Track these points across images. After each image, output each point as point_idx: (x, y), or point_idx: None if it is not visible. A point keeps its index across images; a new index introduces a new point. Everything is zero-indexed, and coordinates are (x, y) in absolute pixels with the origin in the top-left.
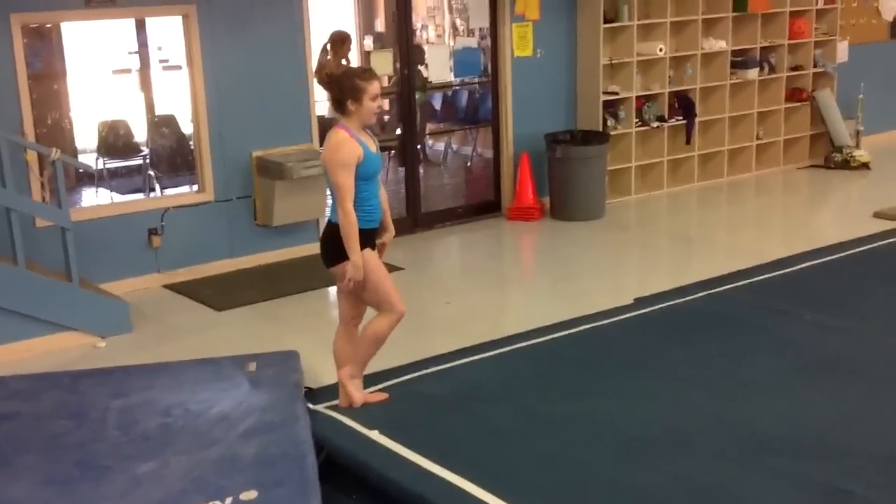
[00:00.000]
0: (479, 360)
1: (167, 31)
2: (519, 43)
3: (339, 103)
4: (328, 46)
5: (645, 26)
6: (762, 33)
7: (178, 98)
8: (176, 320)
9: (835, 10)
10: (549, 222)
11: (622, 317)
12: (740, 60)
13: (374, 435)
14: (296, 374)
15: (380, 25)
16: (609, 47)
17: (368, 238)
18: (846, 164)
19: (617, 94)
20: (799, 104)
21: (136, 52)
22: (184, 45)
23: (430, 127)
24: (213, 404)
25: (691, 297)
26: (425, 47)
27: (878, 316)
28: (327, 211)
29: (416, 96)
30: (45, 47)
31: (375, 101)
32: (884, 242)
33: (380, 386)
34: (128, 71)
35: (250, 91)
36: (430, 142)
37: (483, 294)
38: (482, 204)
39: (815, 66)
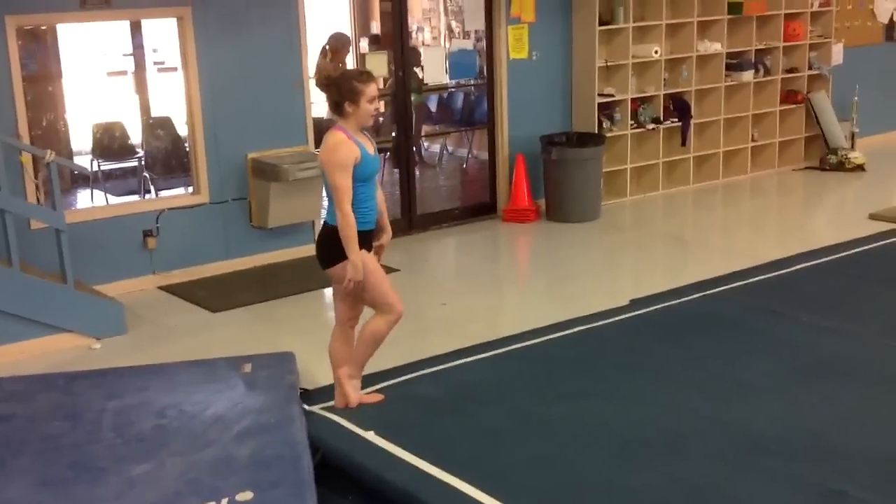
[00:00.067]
0: (474, 361)
1: (162, 33)
2: (514, 45)
3: (336, 105)
4: (327, 49)
5: (640, 28)
6: (757, 36)
7: (173, 100)
8: (171, 322)
9: (830, 13)
10: (545, 224)
11: (617, 318)
12: (735, 63)
13: (370, 436)
14: (291, 375)
15: (376, 28)
16: (604, 49)
17: (365, 240)
18: (841, 166)
19: (612, 96)
20: (794, 106)
21: (131, 54)
22: (179, 46)
23: (425, 129)
24: (208, 406)
25: (687, 299)
26: (421, 49)
27: (874, 317)
28: (323, 213)
29: (412, 98)
30: (40, 49)
31: (373, 104)
32: (879, 244)
33: (375, 387)
34: (123, 73)
35: (245, 93)
36: (425, 144)
37: (479, 295)
38: (478, 206)
39: (809, 68)
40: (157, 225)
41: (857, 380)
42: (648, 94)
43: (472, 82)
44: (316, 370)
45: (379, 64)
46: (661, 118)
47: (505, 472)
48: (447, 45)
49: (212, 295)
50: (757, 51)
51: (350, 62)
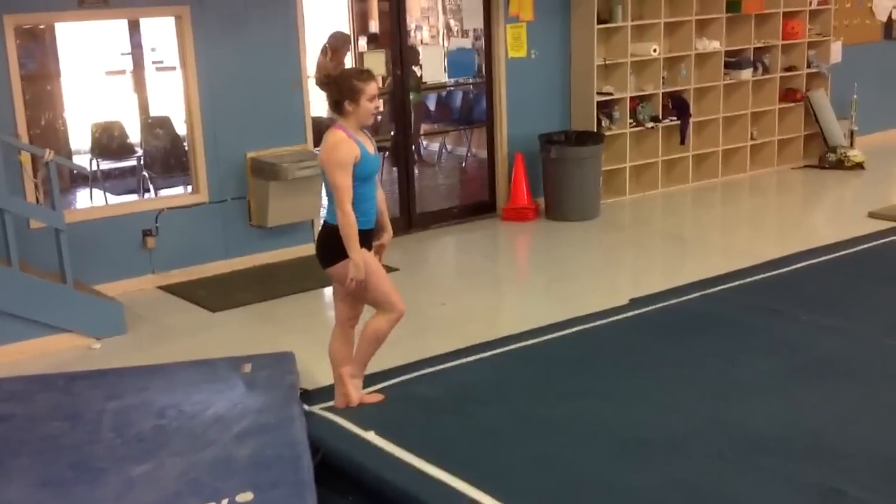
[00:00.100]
0: (474, 361)
1: (161, 32)
2: (513, 44)
3: (336, 104)
4: (328, 48)
5: (639, 27)
6: (756, 34)
7: (172, 99)
8: (170, 321)
9: (828, 11)
10: (544, 223)
11: (617, 317)
12: (734, 61)
13: (370, 436)
14: (291, 375)
15: (374, 26)
16: (603, 48)
17: (365, 239)
18: (840, 165)
19: (611, 94)
20: (793, 104)
21: (129, 54)
22: (177, 45)
23: (424, 127)
24: (207, 406)
25: (686, 298)
26: (419, 48)
27: (873, 316)
28: (322, 212)
29: (411, 97)
30: (39, 48)
31: (373, 102)
32: (878, 242)
33: (375, 387)
34: (121, 72)
35: (244, 92)
36: (424, 142)
37: (478, 295)
38: (477, 204)
39: (808, 66)
40: (157, 224)
41: (856, 379)
42: (647, 93)
43: (470, 81)
44: (316, 370)
45: (377, 63)
46: (660, 117)
47: (504, 472)
48: (446, 44)
49: (211, 294)
50: (756, 49)
51: (348, 61)
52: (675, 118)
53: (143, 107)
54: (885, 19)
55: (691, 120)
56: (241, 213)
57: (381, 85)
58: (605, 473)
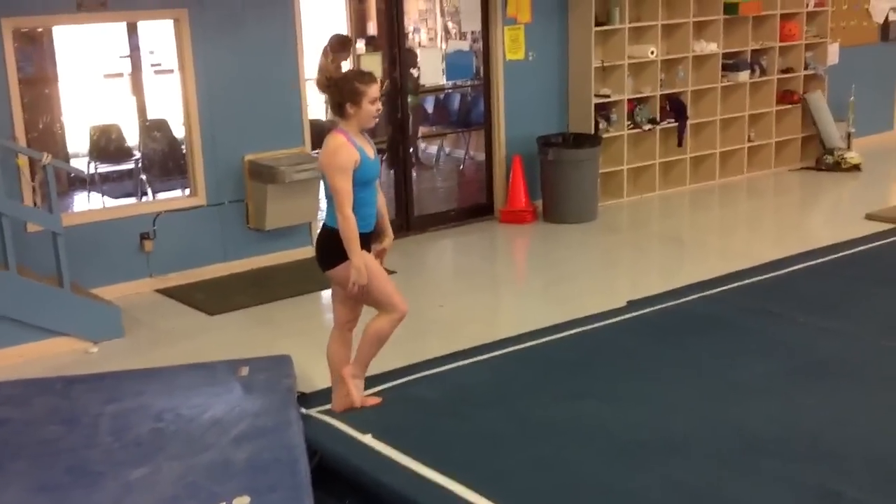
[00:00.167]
0: (472, 363)
1: (159, 35)
2: (511, 46)
3: (338, 106)
4: (328, 50)
5: (636, 29)
6: (753, 36)
7: (170, 102)
8: (168, 325)
9: (825, 13)
10: (542, 225)
11: (615, 319)
12: (731, 63)
13: (367, 439)
14: (288, 378)
15: (372, 29)
16: (600, 50)
17: (364, 242)
18: (837, 166)
19: (608, 96)
20: (790, 106)
21: (127, 56)
22: (175, 48)
23: (422, 130)
24: (205, 409)
25: (684, 300)
26: (417, 50)
27: (871, 318)
28: (320, 214)
29: (409, 99)
30: (37, 51)
31: (375, 105)
32: (876, 244)
33: (373, 390)
34: (119, 75)
35: (242, 95)
36: (422, 145)
37: (476, 297)
38: (475, 207)
39: (805, 68)
40: (154, 227)
41: (854, 380)
42: (645, 95)
43: (468, 83)
44: (313, 373)
45: (373, 65)
46: (658, 119)
47: (503, 475)
48: (443, 46)
49: (209, 298)
50: (753, 51)
51: (346, 63)
52: (672, 120)
53: (141, 110)
54: (881, 21)
55: (688, 122)
56: (238, 215)
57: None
58: (603, 475)
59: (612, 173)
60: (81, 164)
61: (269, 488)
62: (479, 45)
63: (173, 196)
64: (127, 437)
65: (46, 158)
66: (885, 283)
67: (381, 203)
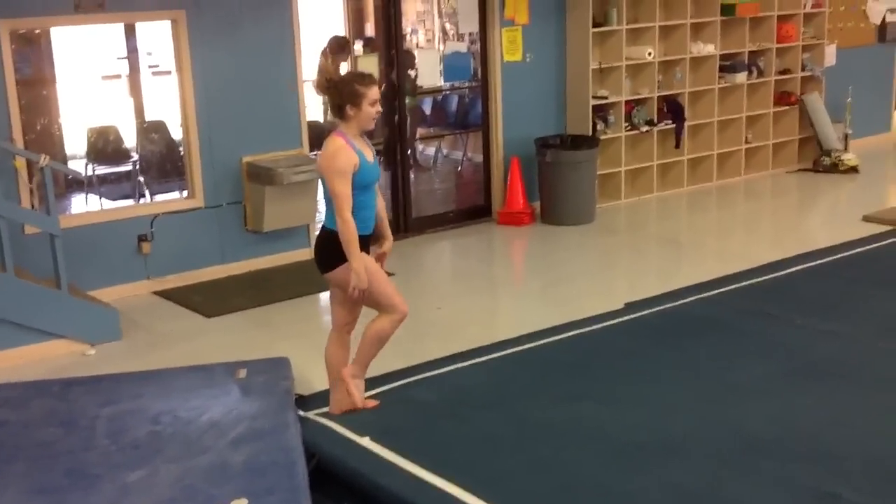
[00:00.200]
0: (470, 365)
1: (157, 36)
2: (508, 47)
3: (338, 108)
4: (327, 51)
5: (634, 30)
6: (750, 37)
7: (167, 103)
8: (166, 327)
9: (822, 14)
10: (540, 227)
11: (613, 321)
12: (729, 64)
13: (365, 442)
14: (286, 380)
15: (370, 30)
16: (598, 51)
17: (363, 244)
18: (835, 168)
19: (606, 98)
20: (787, 108)
21: (125, 58)
22: (173, 50)
23: (420, 132)
24: (203, 412)
25: (682, 302)
26: (415, 52)
27: (868, 319)
28: (318, 216)
29: (407, 101)
30: (34, 53)
31: (375, 107)
32: (873, 246)
33: (370, 392)
34: (117, 76)
35: (240, 96)
36: (420, 146)
37: (474, 299)
38: (472, 209)
39: (803, 69)
40: (152, 229)
41: (851, 382)
42: (642, 97)
43: (466, 85)
44: (311, 375)
45: (369, 67)
46: (655, 120)
47: (501, 477)
48: (441, 48)
49: (207, 300)
50: (750, 52)
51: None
52: (670, 122)
53: (139, 111)
54: (878, 22)
55: (686, 123)
56: (236, 217)
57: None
58: (601, 477)
59: (610, 175)
60: (79, 165)
61: (266, 491)
62: (477, 46)
63: (171, 198)
64: (124, 439)
65: (44, 160)
66: (882, 285)
67: (381, 206)
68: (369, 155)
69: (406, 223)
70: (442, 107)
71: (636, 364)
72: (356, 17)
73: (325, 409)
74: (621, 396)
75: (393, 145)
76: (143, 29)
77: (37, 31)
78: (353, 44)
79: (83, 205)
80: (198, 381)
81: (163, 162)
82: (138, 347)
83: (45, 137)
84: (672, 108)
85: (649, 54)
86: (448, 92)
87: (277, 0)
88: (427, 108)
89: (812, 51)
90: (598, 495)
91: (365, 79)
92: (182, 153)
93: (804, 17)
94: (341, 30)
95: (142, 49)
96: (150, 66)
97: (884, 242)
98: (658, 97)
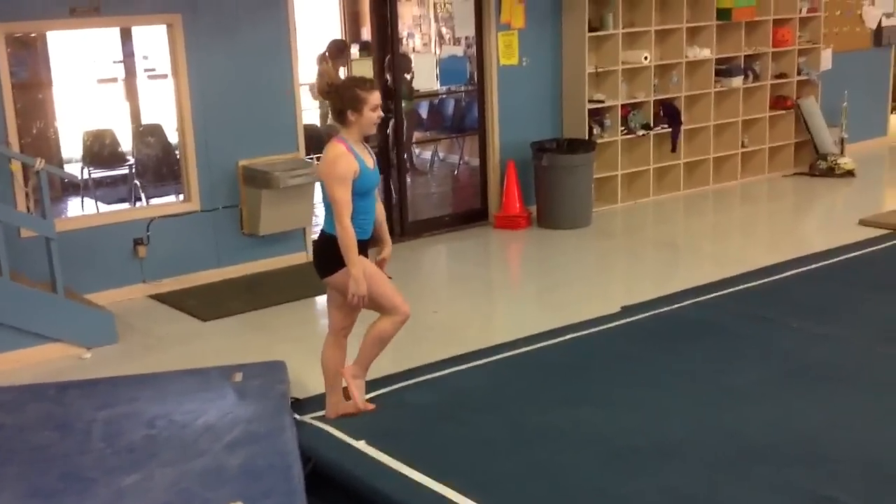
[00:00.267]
0: (466, 369)
1: (153, 40)
2: (505, 51)
3: (339, 113)
4: (327, 55)
5: (630, 35)
6: (746, 41)
7: (163, 107)
8: (162, 331)
9: (818, 19)
10: (536, 230)
11: (609, 325)
12: (725, 68)
13: (361, 445)
14: (282, 384)
15: (366, 34)
16: (594, 56)
17: (361, 248)
18: (831, 172)
19: (602, 102)
20: (783, 112)
21: (121, 62)
22: (169, 53)
23: (416, 135)
24: (198, 415)
25: (678, 305)
26: (411, 56)
27: (865, 323)
28: (315, 220)
29: (403, 104)
30: (30, 56)
31: (376, 112)
32: (869, 250)
33: (367, 396)
34: (113, 80)
35: (236, 100)
36: (416, 150)
37: (470, 303)
38: (469, 212)
39: (799, 73)
40: (148, 233)
41: (847, 386)
42: (638, 100)
43: (462, 89)
44: (307, 379)
45: (364, 71)
46: (652, 124)
47: (497, 480)
48: (438, 52)
49: (202, 303)
50: (746, 56)
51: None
52: (666, 126)
53: (135, 115)
54: (874, 27)
55: (682, 127)
56: (232, 221)
57: None
58: (597, 481)
59: (606, 179)
60: (75, 169)
61: (262, 494)
62: (473, 50)
63: (167, 201)
64: (120, 443)
65: (39, 164)
66: (878, 289)
67: (380, 212)
68: (369, 161)
69: (403, 227)
70: (438, 110)
71: (632, 367)
72: (352, 21)
73: (321, 413)
74: (618, 400)
75: (386, 149)
76: (140, 33)
77: (33, 35)
78: (351, 48)
79: (79, 208)
80: (193, 384)
81: (159, 165)
82: (134, 351)
83: (41, 141)
84: (668, 112)
85: (645, 58)
86: (444, 96)
87: (273, 4)
88: (423, 112)
89: (808, 55)
90: (595, 499)
91: (366, 83)
92: (178, 157)
93: (800, 22)
94: (338, 34)
95: (138, 53)
96: (146, 70)
97: (880, 246)
98: (654, 101)
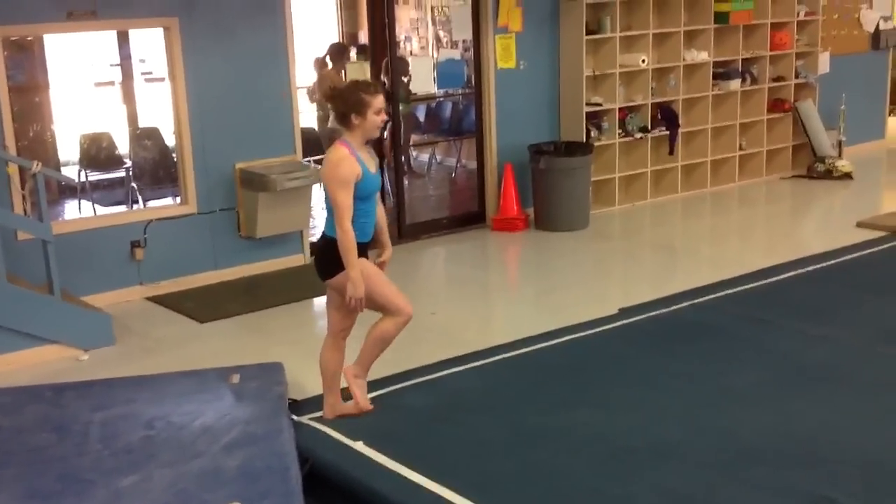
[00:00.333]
0: (464, 370)
1: (150, 43)
2: (502, 55)
3: (343, 116)
4: (328, 58)
5: (627, 38)
6: (744, 45)
7: (160, 110)
8: (159, 333)
9: (816, 22)
10: (534, 233)
11: (606, 327)
12: (722, 72)
13: (359, 446)
14: (280, 385)
15: (363, 37)
16: (592, 59)
17: (361, 251)
18: (829, 174)
19: (600, 105)
20: (781, 115)
21: (118, 65)
22: (166, 56)
23: (414, 138)
24: (196, 417)
25: (675, 308)
26: (409, 59)
27: (862, 325)
28: (312, 222)
29: (400, 107)
30: (27, 60)
31: (380, 115)
32: (867, 252)
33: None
34: (110, 83)
35: (233, 103)
36: (414, 153)
37: (468, 305)
38: (466, 215)
39: (796, 77)
40: (145, 235)
41: (846, 387)
42: (636, 103)
43: (460, 92)
44: (305, 380)
45: (359, 74)
46: (649, 127)
47: (494, 482)
48: (435, 55)
49: (200, 306)
50: (744, 60)
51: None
52: (663, 128)
53: (132, 118)
54: (872, 30)
55: (680, 130)
56: (230, 223)
57: None
58: (595, 482)
59: (604, 181)
60: (72, 172)
61: (260, 495)
62: (471, 53)
63: (164, 204)
64: (117, 444)
65: (36, 167)
66: (876, 291)
67: (381, 216)
68: (372, 165)
69: (400, 229)
70: (436, 113)
71: (630, 369)
72: (350, 25)
73: (319, 414)
74: (615, 401)
75: (386, 151)
76: (137, 36)
77: (30, 38)
78: (350, 50)
79: (76, 211)
80: (191, 386)
81: (156, 168)
82: (131, 353)
83: (37, 144)
84: (666, 115)
85: (643, 61)
86: (442, 99)
87: (270, 7)
88: (421, 115)
89: (806, 58)
90: (592, 500)
91: (370, 87)
92: (175, 159)
93: (798, 25)
94: (335, 37)
95: (135, 56)
96: (143, 73)
97: (877, 248)
98: (652, 104)
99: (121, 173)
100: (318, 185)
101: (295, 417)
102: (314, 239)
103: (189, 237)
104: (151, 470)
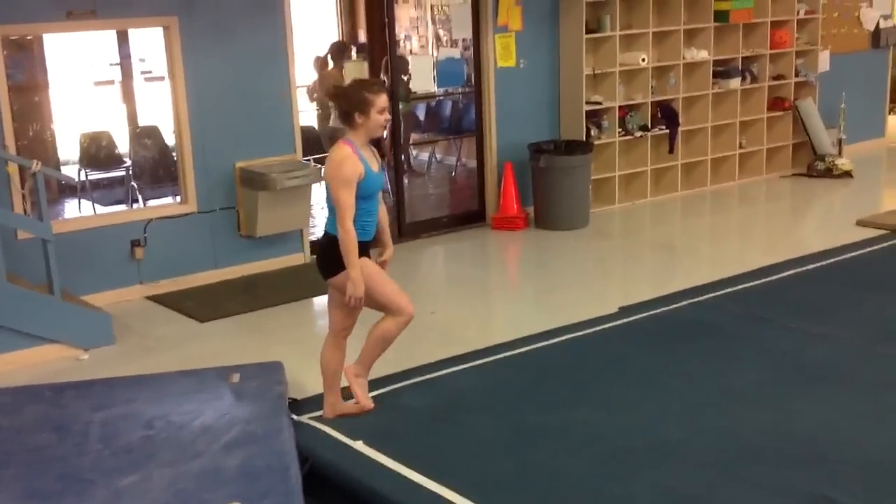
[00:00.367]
0: (463, 369)
1: (149, 42)
2: (502, 53)
3: (346, 115)
4: (329, 57)
5: (627, 37)
6: (744, 43)
7: (160, 109)
8: (159, 332)
9: (816, 20)
10: (534, 232)
11: (606, 326)
12: (722, 70)
13: (359, 445)
14: (280, 385)
15: (363, 36)
16: (592, 57)
17: (362, 250)
18: (829, 173)
19: (600, 103)
20: (781, 113)
21: (118, 64)
22: (166, 56)
23: (414, 137)
24: (196, 416)
25: (675, 306)
26: (409, 58)
27: (862, 323)
28: (312, 221)
29: (400, 106)
30: (27, 59)
31: (383, 114)
32: (867, 250)
33: None
34: (110, 82)
35: (233, 102)
36: (414, 152)
37: (468, 304)
38: (466, 214)
39: (796, 75)
40: (145, 234)
41: (845, 386)
42: (636, 102)
43: (459, 90)
44: (305, 380)
45: (358, 72)
46: (649, 125)
47: (494, 481)
48: (435, 54)
49: (200, 305)
50: (744, 58)
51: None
52: (663, 127)
53: (132, 117)
54: (872, 28)
55: (680, 129)
56: (229, 223)
57: None
58: (595, 481)
59: (604, 180)
60: (72, 171)
61: (260, 495)
62: (471, 52)
63: (164, 203)
64: (117, 444)
65: (36, 166)
66: (876, 289)
67: (383, 215)
68: (374, 165)
69: (400, 228)
70: (436, 112)
71: (630, 368)
72: (349, 24)
73: (319, 413)
74: (615, 400)
75: (382, 151)
76: (136, 35)
77: (29, 38)
78: (351, 49)
79: (76, 210)
80: (191, 385)
81: (156, 167)
82: (131, 352)
83: (37, 143)
84: (666, 114)
85: (643, 60)
86: (442, 97)
87: (270, 6)
88: (421, 114)
89: (806, 56)
90: (592, 499)
91: (374, 86)
92: (175, 158)
93: (798, 23)
94: (335, 36)
95: (135, 55)
96: (142, 72)
97: (877, 246)
98: (652, 102)
99: (121, 172)
100: (317, 184)
101: (295, 417)
102: (314, 238)
103: (189, 236)
104: (151, 469)
